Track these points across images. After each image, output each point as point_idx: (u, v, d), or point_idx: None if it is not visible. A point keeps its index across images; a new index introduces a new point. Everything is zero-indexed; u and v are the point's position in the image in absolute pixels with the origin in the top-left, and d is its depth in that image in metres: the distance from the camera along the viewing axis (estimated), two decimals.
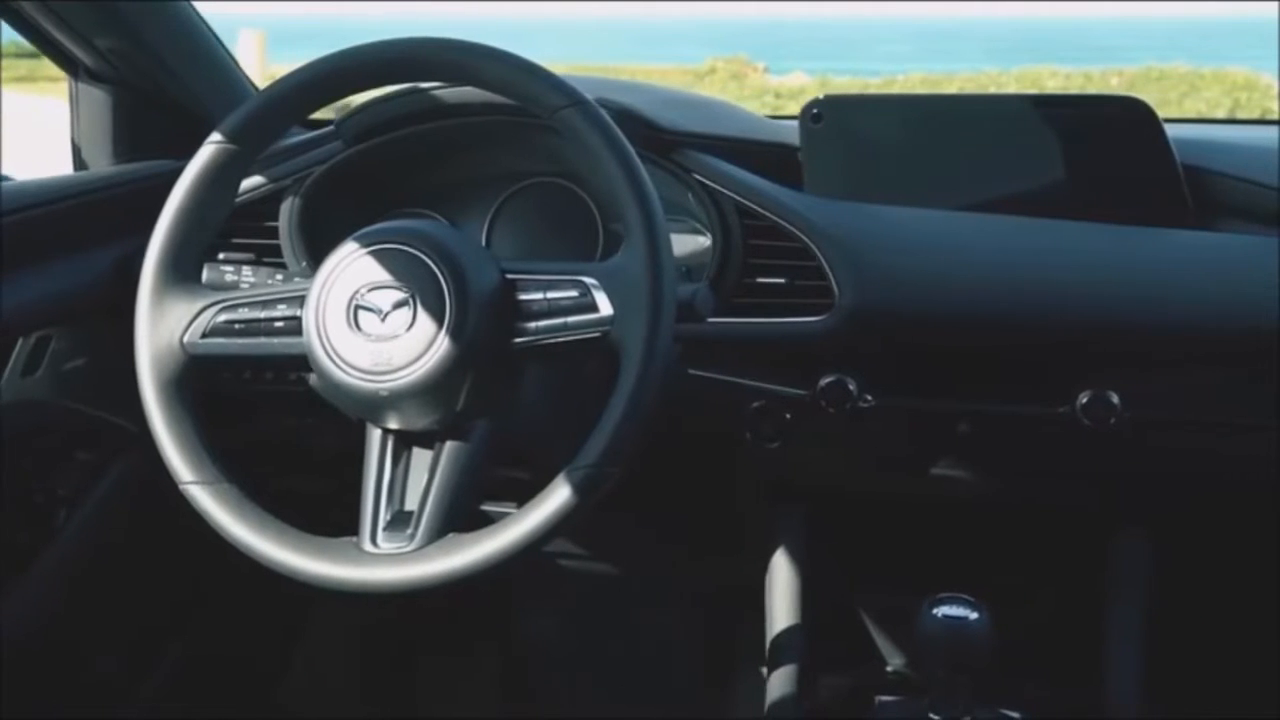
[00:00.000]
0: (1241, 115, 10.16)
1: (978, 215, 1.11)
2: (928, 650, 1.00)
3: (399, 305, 0.89)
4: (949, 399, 1.09)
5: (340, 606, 1.61)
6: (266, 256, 1.20)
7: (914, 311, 1.06)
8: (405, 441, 0.94)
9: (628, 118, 1.11)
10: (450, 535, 0.89)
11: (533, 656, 1.63)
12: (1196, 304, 1.03)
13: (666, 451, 1.22)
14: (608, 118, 0.91)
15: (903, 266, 1.06)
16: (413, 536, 0.89)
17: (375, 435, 0.95)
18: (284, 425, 1.25)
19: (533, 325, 0.91)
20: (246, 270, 1.16)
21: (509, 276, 0.92)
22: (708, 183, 1.12)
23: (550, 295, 0.91)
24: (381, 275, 0.90)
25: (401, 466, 0.94)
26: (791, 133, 1.17)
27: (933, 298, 1.06)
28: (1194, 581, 1.21)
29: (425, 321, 0.88)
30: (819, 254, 1.07)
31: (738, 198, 1.11)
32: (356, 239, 0.92)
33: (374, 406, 0.91)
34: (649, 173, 1.13)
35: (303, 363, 0.93)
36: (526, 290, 0.91)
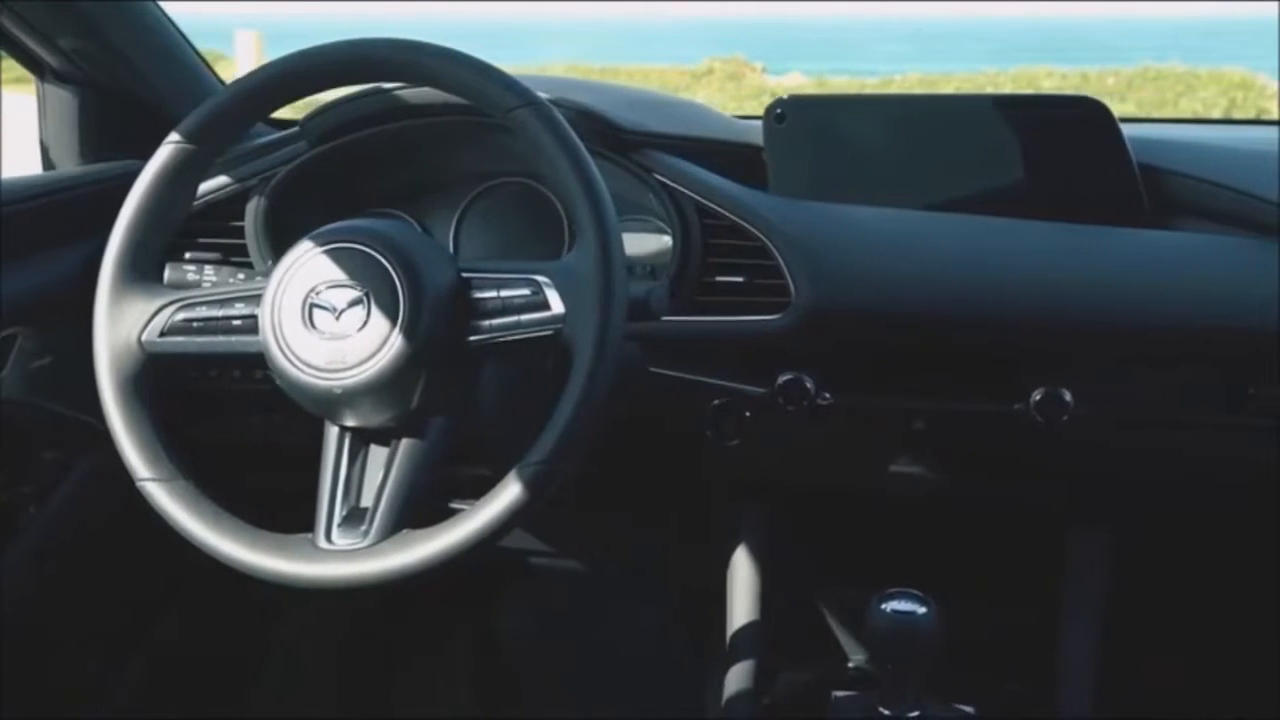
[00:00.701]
0: (1237, 115, 10.17)
1: (937, 215, 1.12)
2: (877, 645, 1.00)
3: (353, 303, 0.90)
4: (905, 397, 1.10)
5: (316, 606, 1.61)
6: (234, 256, 1.21)
7: (869, 310, 1.06)
8: (362, 438, 0.95)
9: (587, 117, 1.12)
10: (404, 531, 0.90)
11: (508, 656, 1.64)
12: (1150, 302, 1.04)
13: (632, 449, 1.23)
14: (560, 117, 0.92)
15: (859, 266, 1.07)
16: (366, 533, 0.90)
17: (333, 432, 0.96)
18: (255, 423, 1.26)
19: (487, 323, 0.92)
20: (209, 270, 1.17)
21: (464, 275, 0.93)
22: (668, 182, 1.13)
23: (504, 294, 0.92)
24: (336, 274, 0.91)
25: (359, 463, 0.95)
26: (761, 133, 1.18)
27: (888, 297, 1.06)
28: (1152, 581, 1.22)
29: (379, 319, 0.89)
30: (776, 253, 1.07)
31: (697, 197, 1.12)
32: (312, 238, 0.93)
33: (329, 404, 0.92)
34: (609, 172, 1.14)
35: (260, 360, 0.94)
36: (481, 289, 0.92)
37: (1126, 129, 1.13)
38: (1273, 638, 1.24)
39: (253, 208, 1.21)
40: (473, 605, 1.64)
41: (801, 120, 1.17)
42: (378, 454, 0.95)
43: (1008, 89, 12.16)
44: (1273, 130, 1.39)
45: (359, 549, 0.90)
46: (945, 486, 1.13)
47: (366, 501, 0.93)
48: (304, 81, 0.98)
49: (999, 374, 1.06)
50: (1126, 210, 1.10)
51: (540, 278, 0.91)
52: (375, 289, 0.90)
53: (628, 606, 1.56)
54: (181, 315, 0.96)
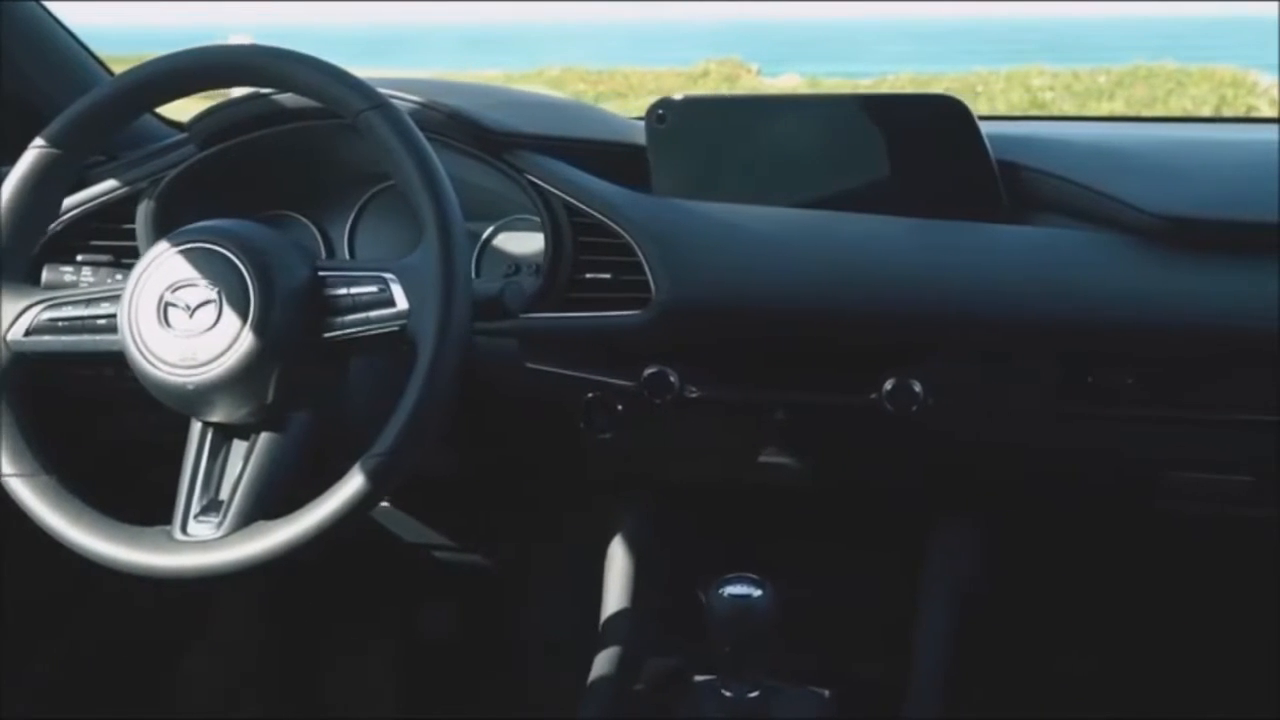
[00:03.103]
0: (1227, 112, 10.17)
1: (803, 212, 1.14)
2: (716, 628, 1.03)
3: (205, 302, 0.94)
4: (766, 389, 1.13)
5: (232, 602, 1.64)
6: (125, 258, 1.24)
7: (725, 306, 1.09)
8: (224, 433, 0.99)
9: (457, 119, 1.15)
10: (256, 523, 0.93)
11: (432, 654, 1.66)
12: (1001, 295, 1.06)
13: (517, 445, 1.26)
14: (407, 119, 0.95)
15: (718, 263, 1.10)
16: (220, 524, 0.94)
17: (195, 427, 0.99)
18: (141, 421, 1.29)
19: (339, 320, 0.96)
20: (86, 271, 1.20)
21: (320, 274, 0.96)
22: (537, 181, 1.15)
23: (354, 291, 0.95)
24: (190, 273, 0.94)
25: (220, 457, 0.98)
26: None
27: (744, 292, 1.09)
28: (1017, 571, 1.24)
29: (230, 317, 0.93)
30: (638, 250, 1.10)
31: (566, 196, 1.14)
32: (169, 239, 0.96)
33: (186, 400, 0.95)
34: (482, 172, 1.17)
35: (121, 358, 0.97)
36: (334, 286, 0.96)
37: (994, 127, 1.15)
38: (1133, 630, 1.27)
39: (143, 210, 1.23)
40: (395, 604, 1.66)
41: (681, 121, 1.20)
42: (239, 448, 0.99)
43: (999, 87, 12.19)
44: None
45: (210, 540, 0.93)
46: (811, 476, 1.16)
47: (224, 494, 0.97)
48: (168, 86, 1.01)
49: (852, 365, 1.09)
50: (984, 205, 1.12)
51: (387, 275, 0.94)
52: (227, 288, 0.93)
53: (507, 599, 1.58)
54: (48, 315, 1.00)
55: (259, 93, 1.20)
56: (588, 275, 1.14)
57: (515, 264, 1.24)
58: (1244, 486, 1.08)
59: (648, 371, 1.13)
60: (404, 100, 1.11)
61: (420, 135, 0.95)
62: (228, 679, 1.65)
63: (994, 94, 11.00)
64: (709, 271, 1.09)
